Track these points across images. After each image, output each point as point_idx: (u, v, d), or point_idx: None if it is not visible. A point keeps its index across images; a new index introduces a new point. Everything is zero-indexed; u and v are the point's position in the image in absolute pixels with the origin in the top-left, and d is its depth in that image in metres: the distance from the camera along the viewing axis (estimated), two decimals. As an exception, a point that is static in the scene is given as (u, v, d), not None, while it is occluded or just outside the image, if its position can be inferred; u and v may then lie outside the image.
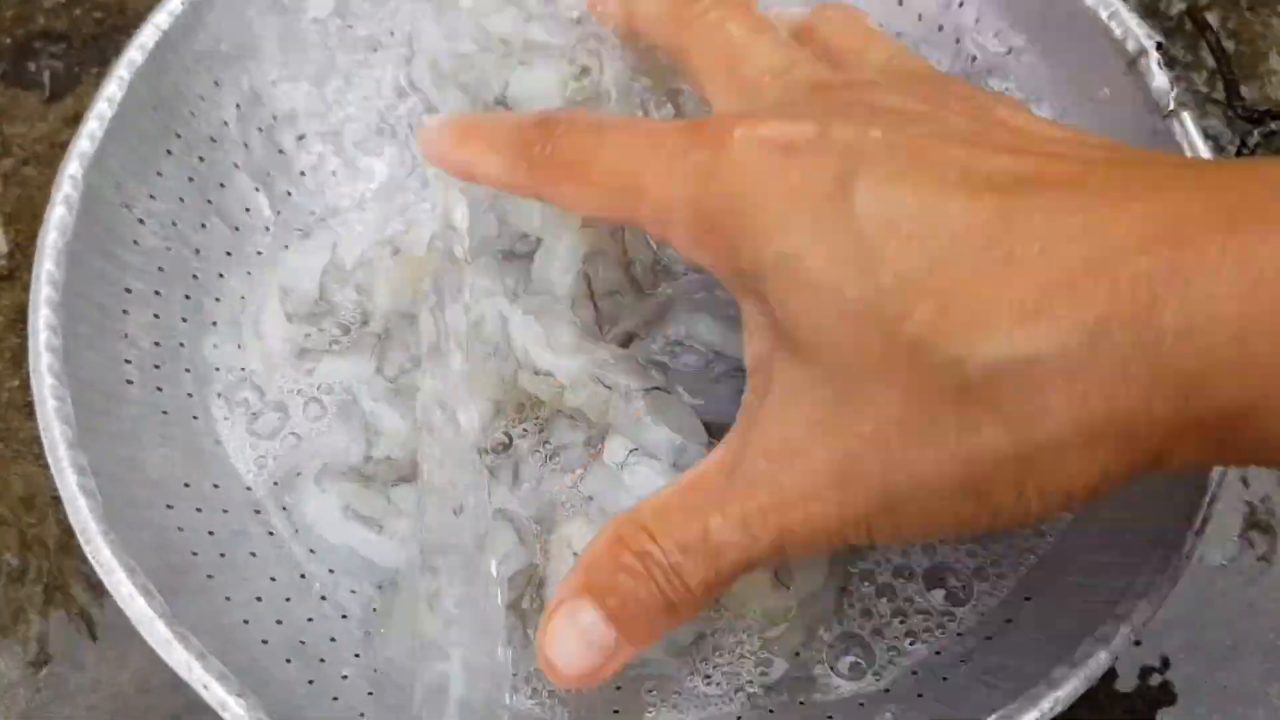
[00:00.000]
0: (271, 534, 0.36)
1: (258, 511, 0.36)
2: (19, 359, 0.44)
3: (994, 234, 0.22)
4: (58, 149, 0.47)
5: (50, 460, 0.31)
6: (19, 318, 0.44)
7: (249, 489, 0.36)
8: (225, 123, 0.40)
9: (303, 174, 0.42)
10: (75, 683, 0.39)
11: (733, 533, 0.24)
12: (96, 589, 0.40)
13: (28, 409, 0.43)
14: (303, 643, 0.33)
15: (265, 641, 0.32)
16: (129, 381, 0.35)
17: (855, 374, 0.23)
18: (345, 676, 0.33)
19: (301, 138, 0.42)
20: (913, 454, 0.23)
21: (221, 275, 0.39)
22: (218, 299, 0.39)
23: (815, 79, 0.28)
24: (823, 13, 0.33)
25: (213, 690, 0.28)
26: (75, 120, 0.45)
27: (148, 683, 0.39)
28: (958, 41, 0.42)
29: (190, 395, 0.37)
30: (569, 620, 0.25)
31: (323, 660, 0.33)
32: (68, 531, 0.38)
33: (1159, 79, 0.36)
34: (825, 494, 0.24)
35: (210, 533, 0.34)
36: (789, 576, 0.33)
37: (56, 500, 0.40)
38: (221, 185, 0.40)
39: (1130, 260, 0.20)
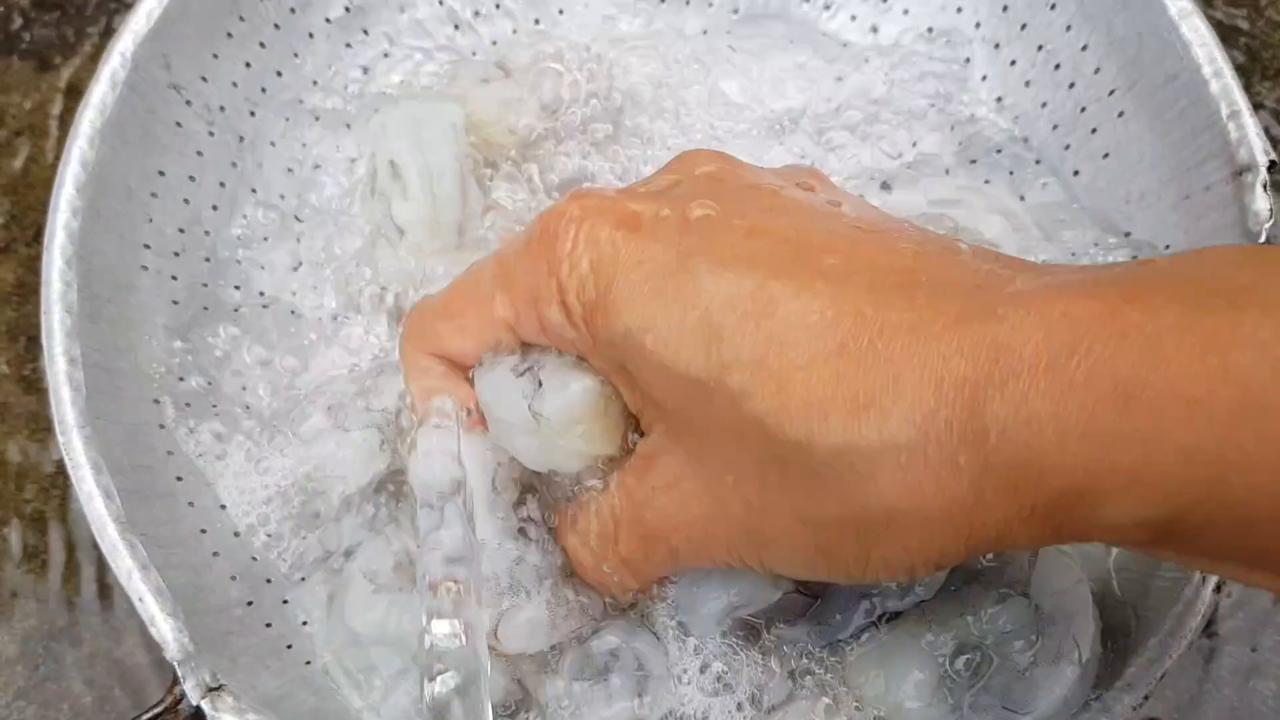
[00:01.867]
0: (255, 443, 0.37)
1: (247, 406, 0.37)
2: (14, 333, 0.43)
3: (826, 324, 0.23)
4: (52, 119, 0.46)
5: (44, 346, 0.32)
6: (14, 291, 0.43)
7: (244, 388, 0.37)
8: (292, 9, 0.39)
9: (364, 70, 0.41)
10: (73, 657, 0.39)
11: (633, 548, 0.29)
12: (96, 563, 0.40)
13: (24, 382, 0.42)
14: (254, 559, 0.34)
15: (216, 554, 0.33)
16: (144, 267, 0.36)
17: (714, 438, 0.25)
18: (286, 601, 0.34)
19: (366, 32, 0.41)
20: (767, 507, 0.25)
21: (260, 166, 0.39)
22: (254, 189, 0.39)
23: (659, 182, 0.29)
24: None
25: (146, 604, 0.30)
26: (69, 91, 0.45)
27: (146, 655, 0.39)
28: (1071, 86, 0.39)
29: (205, 285, 0.37)
30: None
31: (269, 580, 0.34)
32: (65, 507, 0.40)
33: (1260, 201, 0.33)
34: (704, 524, 0.27)
35: (190, 430, 0.35)
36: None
37: (53, 475, 0.41)
38: (278, 74, 0.39)
39: (952, 363, 0.22)
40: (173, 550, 0.32)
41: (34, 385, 0.42)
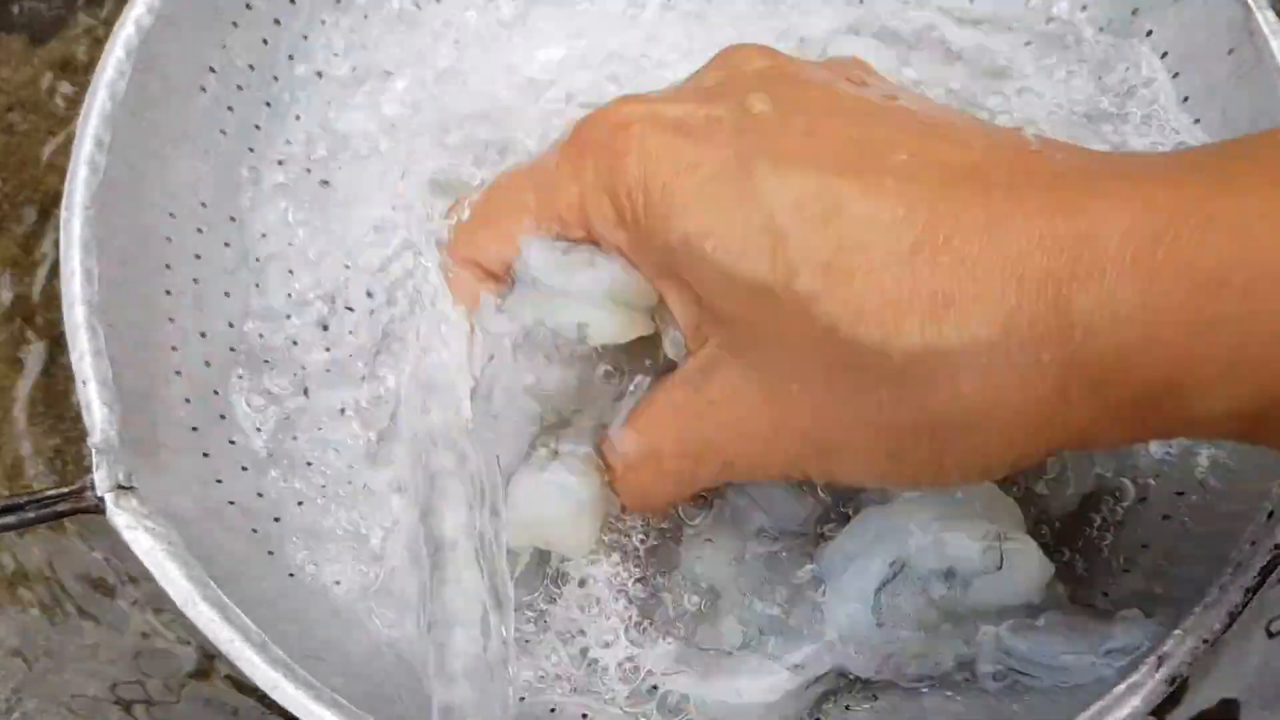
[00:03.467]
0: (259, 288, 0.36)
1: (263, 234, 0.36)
2: (10, 314, 0.41)
3: (898, 223, 0.22)
4: (45, 94, 0.44)
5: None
6: (8, 268, 0.42)
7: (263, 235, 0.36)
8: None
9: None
10: (74, 648, 0.38)
11: (681, 461, 0.28)
12: (99, 549, 0.38)
13: (20, 365, 0.41)
14: (215, 393, 0.33)
15: (179, 373, 0.32)
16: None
17: (778, 346, 0.24)
18: (233, 442, 0.33)
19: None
20: (836, 416, 0.24)
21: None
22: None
23: (708, 76, 0.28)
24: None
25: (87, 388, 0.29)
26: (62, 65, 0.44)
27: (148, 646, 0.38)
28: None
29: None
30: None
31: (222, 417, 0.33)
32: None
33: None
34: (763, 439, 0.26)
35: (198, 255, 0.34)
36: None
37: (50, 460, 0.40)
38: (305, 38, 0.38)
39: (1033, 259, 0.21)
40: (136, 352, 0.31)
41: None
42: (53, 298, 0.40)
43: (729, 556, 0.32)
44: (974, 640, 0.30)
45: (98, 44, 0.43)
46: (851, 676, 0.31)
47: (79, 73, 0.44)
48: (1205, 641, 0.27)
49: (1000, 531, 0.28)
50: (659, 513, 0.32)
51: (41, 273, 0.41)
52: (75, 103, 0.43)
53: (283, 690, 0.27)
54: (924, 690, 0.31)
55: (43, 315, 0.41)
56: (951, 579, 0.29)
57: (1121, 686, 0.27)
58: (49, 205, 0.42)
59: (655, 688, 0.31)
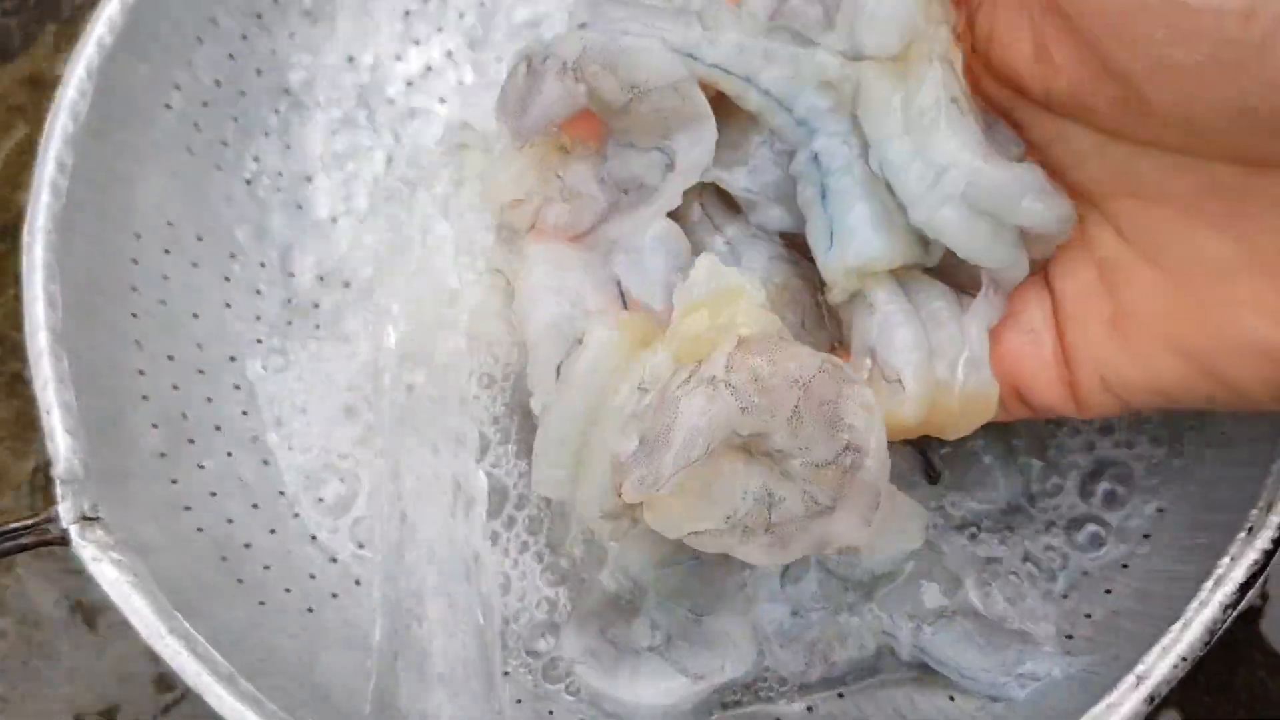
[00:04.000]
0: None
1: (232, 256, 0.36)
2: None
3: None
4: (14, 112, 0.43)
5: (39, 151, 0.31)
6: None
7: (232, 254, 0.36)
8: None
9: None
10: (49, 673, 0.37)
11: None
12: (78, 574, 0.38)
13: (6, 388, 0.41)
14: (184, 416, 0.33)
15: (146, 398, 0.32)
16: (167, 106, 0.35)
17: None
18: (202, 467, 0.33)
19: None
20: None
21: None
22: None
23: None
24: None
25: (51, 416, 0.29)
26: (31, 82, 0.43)
27: (127, 671, 0.37)
28: None
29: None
30: None
31: (191, 441, 0.33)
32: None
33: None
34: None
35: (165, 276, 0.34)
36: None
37: (32, 482, 0.40)
38: (273, 52, 0.38)
39: None
40: (103, 377, 0.31)
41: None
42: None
43: (659, 557, 0.32)
44: (894, 626, 0.30)
45: (64, 61, 0.43)
46: (785, 683, 0.31)
47: (49, 89, 0.43)
48: (1184, 659, 0.27)
49: None
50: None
51: (10, 293, 0.41)
52: (41, 120, 0.43)
53: (251, 724, 0.26)
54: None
55: (12, 337, 0.40)
56: None
57: (1100, 706, 0.26)
58: (17, 224, 0.41)
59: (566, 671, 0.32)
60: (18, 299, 0.41)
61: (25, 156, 0.42)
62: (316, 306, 0.36)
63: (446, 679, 0.30)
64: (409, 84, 0.38)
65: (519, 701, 0.32)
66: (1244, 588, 0.27)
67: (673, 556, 0.31)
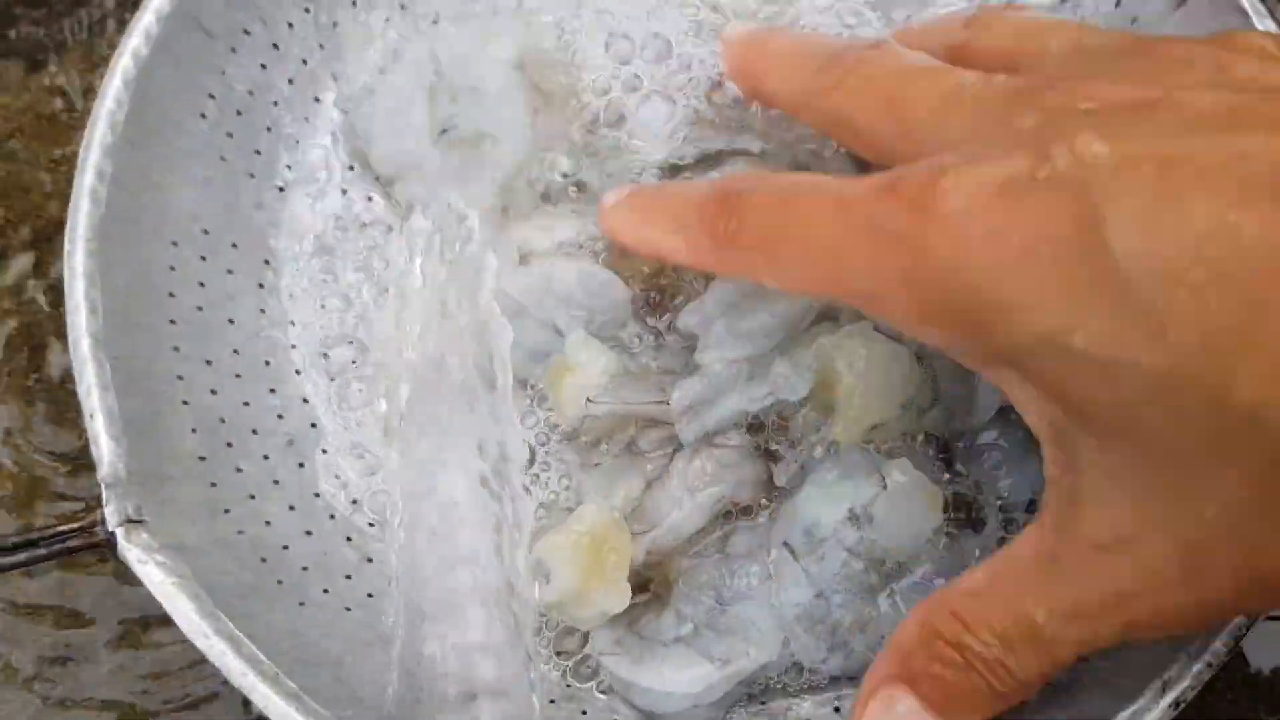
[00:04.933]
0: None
1: (266, 261, 0.36)
2: (14, 344, 0.41)
3: None
4: (44, 120, 0.43)
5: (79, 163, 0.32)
6: (10, 298, 0.42)
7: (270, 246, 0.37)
8: None
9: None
10: (89, 677, 0.37)
11: (1067, 626, 0.22)
12: (119, 575, 0.38)
13: (27, 393, 0.41)
14: (222, 421, 0.33)
15: (186, 403, 0.33)
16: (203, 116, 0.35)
17: (1180, 455, 0.19)
18: (240, 470, 0.33)
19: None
20: (1273, 535, 0.19)
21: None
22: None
23: (1000, 93, 0.23)
24: (976, 22, 0.28)
25: (95, 421, 0.29)
26: (60, 91, 0.43)
27: (163, 675, 0.38)
28: None
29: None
30: (885, 709, 0.24)
31: (230, 445, 0.33)
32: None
33: None
34: (1175, 588, 0.21)
35: (202, 283, 0.35)
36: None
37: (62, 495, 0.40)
38: (304, 62, 0.38)
39: None
40: (142, 382, 0.31)
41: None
42: (59, 324, 0.41)
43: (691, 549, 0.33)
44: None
45: (94, 68, 0.44)
46: (804, 673, 0.32)
47: (78, 98, 0.44)
48: (1209, 665, 0.27)
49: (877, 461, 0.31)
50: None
51: (44, 300, 0.41)
52: (72, 128, 0.44)
53: (295, 722, 0.27)
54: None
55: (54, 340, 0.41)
56: (855, 520, 0.31)
57: (1125, 713, 0.27)
58: (51, 232, 0.42)
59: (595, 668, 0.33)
60: (50, 305, 0.42)
61: (56, 165, 0.43)
62: (349, 309, 0.36)
63: (486, 686, 0.31)
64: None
65: (552, 701, 0.32)
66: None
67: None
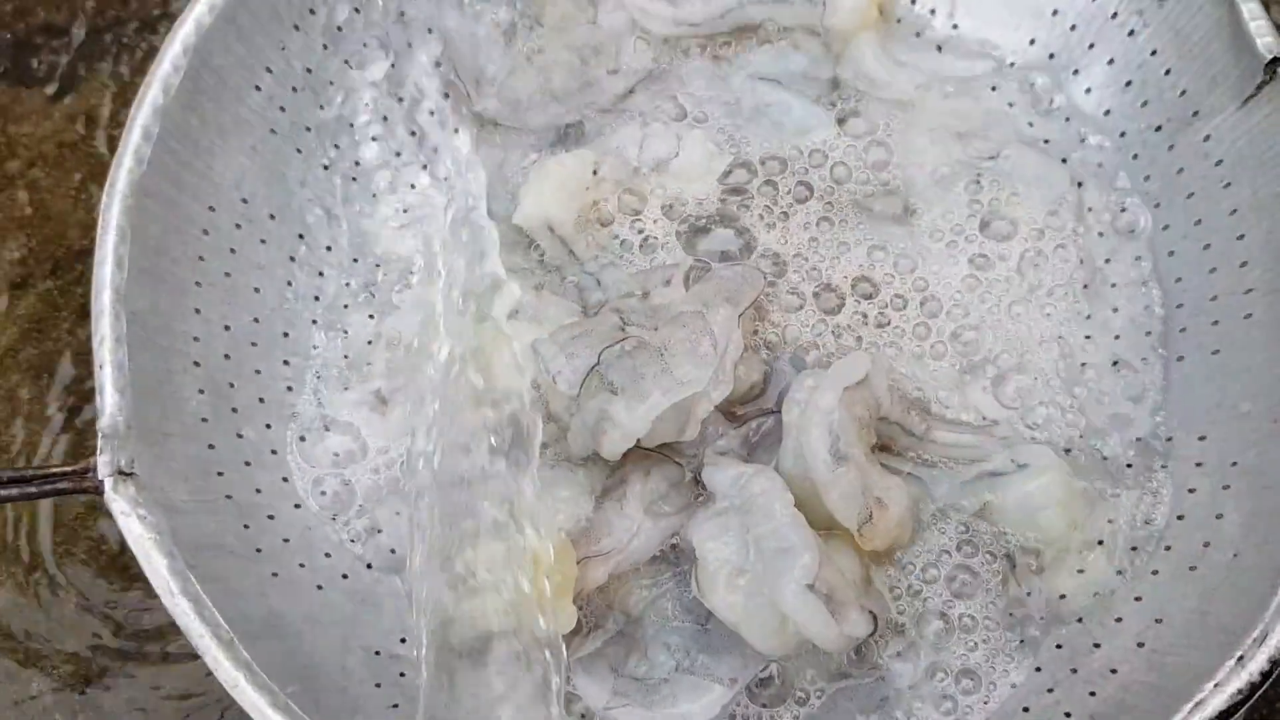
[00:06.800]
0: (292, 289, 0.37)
1: (301, 235, 0.37)
2: (37, 370, 0.42)
3: None
4: (65, 149, 0.43)
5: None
6: (34, 327, 0.42)
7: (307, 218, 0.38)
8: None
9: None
10: (110, 704, 0.38)
11: None
12: (137, 603, 0.39)
13: (40, 413, 0.41)
14: (231, 385, 0.34)
15: (197, 364, 0.33)
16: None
17: None
18: (240, 435, 0.34)
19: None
20: None
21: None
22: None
23: None
24: None
25: (103, 371, 0.30)
26: (83, 119, 0.43)
27: (185, 698, 0.38)
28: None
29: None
30: None
31: (234, 410, 0.34)
32: (98, 557, 0.39)
33: None
34: None
35: (233, 249, 0.36)
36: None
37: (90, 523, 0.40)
38: (365, 45, 0.39)
39: None
40: (157, 338, 0.32)
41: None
42: (78, 348, 0.42)
43: (647, 581, 0.32)
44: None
45: (117, 96, 0.44)
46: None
47: (100, 126, 0.44)
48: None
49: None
50: None
51: (64, 327, 0.42)
52: (93, 156, 0.44)
53: (242, 690, 0.27)
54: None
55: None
56: None
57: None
58: (73, 261, 0.42)
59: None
60: (70, 331, 0.42)
61: (79, 193, 0.44)
62: (373, 295, 0.37)
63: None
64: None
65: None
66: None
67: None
